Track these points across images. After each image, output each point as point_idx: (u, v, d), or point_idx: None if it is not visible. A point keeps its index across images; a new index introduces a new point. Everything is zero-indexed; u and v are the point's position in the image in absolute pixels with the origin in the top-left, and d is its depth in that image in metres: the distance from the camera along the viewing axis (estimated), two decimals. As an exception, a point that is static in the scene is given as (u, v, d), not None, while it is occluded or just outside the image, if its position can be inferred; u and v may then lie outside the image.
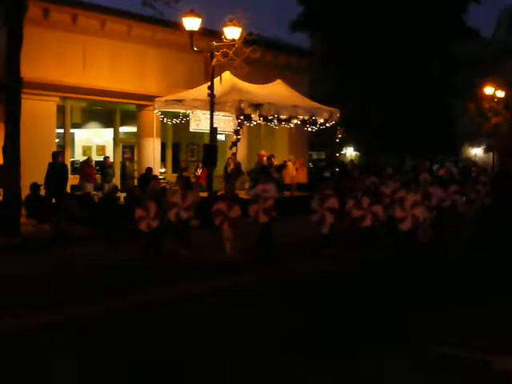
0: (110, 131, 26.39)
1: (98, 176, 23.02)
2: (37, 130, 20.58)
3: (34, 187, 17.64)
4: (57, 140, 22.81)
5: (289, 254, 14.77)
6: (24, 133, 17.90)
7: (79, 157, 25.70)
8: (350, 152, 50.07)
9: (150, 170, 21.97)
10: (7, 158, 17.52)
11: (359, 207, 14.99)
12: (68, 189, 20.77)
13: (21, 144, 17.56)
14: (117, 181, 23.66)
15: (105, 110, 26.15)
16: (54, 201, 18.29)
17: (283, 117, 23.05)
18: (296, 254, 14.95)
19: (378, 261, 13.69)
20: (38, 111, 20.67)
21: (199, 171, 24.37)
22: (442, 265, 13.85)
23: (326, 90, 36.64)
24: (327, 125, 24.74)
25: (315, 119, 24.26)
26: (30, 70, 19.06)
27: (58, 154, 19.95)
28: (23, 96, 18.14)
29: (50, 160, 19.51)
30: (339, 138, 25.79)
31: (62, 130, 23.77)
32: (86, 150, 26.47)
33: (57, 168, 19.24)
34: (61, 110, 23.26)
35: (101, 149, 26.57)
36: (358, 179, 18.28)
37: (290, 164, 26.33)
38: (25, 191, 17.32)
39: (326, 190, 15.43)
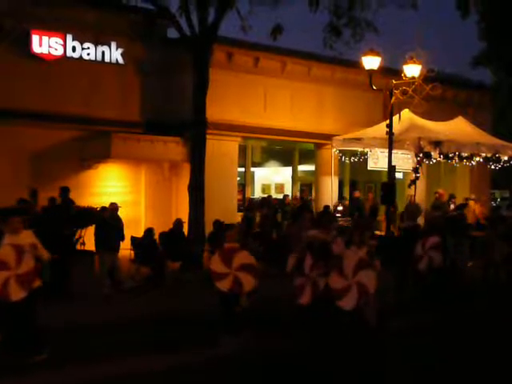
0: (288, 169, 26.89)
1: (277, 215, 23.42)
2: (220, 168, 21.40)
3: (218, 224, 18.26)
4: (238, 178, 23.58)
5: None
6: (208, 171, 18.70)
7: (258, 194, 26.36)
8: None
9: (327, 207, 22.07)
10: (192, 195, 18.37)
11: (342, 275, 9.61)
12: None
13: (205, 182, 18.37)
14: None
15: (284, 148, 26.71)
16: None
17: (464, 154, 22.37)
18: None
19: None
20: (221, 150, 21.51)
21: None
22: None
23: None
24: (512, 162, 23.73)
25: (499, 156, 23.34)
26: (214, 111, 19.96)
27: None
28: (208, 136, 19.04)
29: (233, 199, 19.97)
30: (525, 176, 24.59)
31: (242, 169, 24.55)
32: (265, 188, 27.12)
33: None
34: (242, 150, 24.04)
35: (279, 187, 27.11)
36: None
37: (471, 203, 25.40)
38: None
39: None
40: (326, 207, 22.19)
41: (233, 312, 10.09)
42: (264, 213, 20.79)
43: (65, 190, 16.71)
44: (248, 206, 22.14)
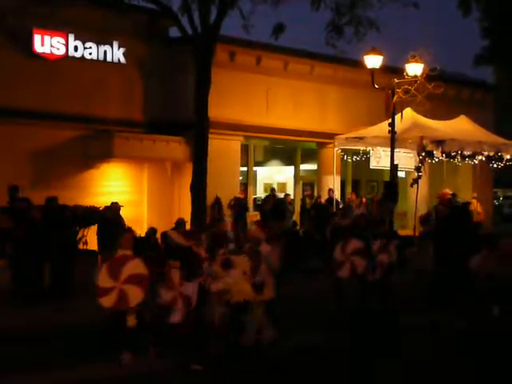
0: (290, 169, 26.91)
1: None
2: (222, 167, 21.39)
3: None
4: (240, 177, 23.58)
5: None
6: (210, 170, 18.70)
7: (261, 194, 26.38)
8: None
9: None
10: (195, 194, 18.36)
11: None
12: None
13: (207, 181, 18.36)
14: (296, 218, 23.96)
15: (286, 148, 26.71)
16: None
17: (467, 153, 22.38)
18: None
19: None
20: (223, 150, 21.52)
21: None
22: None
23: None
24: (514, 161, 23.72)
25: (501, 155, 23.36)
26: (216, 110, 19.93)
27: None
28: (210, 135, 19.02)
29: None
30: (527, 175, 24.58)
31: (245, 168, 24.55)
32: (268, 187, 27.11)
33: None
34: (244, 149, 24.04)
35: (281, 186, 27.12)
36: None
37: (474, 202, 25.35)
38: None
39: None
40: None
41: (126, 328, 8.95)
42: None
43: (13, 189, 16.39)
44: (214, 203, 20.60)
